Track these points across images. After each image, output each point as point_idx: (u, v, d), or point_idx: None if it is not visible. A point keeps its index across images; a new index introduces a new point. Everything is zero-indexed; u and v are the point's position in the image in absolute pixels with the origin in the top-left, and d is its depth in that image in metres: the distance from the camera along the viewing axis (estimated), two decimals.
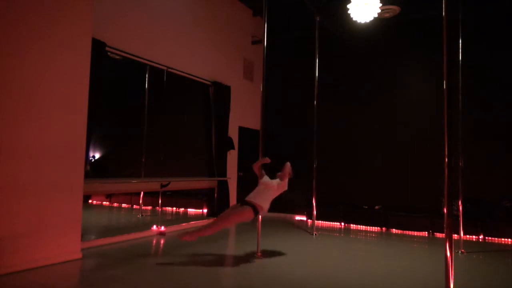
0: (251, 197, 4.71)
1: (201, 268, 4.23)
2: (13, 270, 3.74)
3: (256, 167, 5.02)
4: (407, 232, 7.17)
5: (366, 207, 7.92)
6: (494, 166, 6.97)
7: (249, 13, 8.90)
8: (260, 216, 4.94)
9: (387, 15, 7.43)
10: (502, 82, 7.06)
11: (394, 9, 7.26)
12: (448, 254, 2.80)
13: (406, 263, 4.81)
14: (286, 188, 4.95)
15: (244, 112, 8.59)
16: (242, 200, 4.75)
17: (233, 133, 8.18)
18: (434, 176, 6.97)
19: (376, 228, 7.51)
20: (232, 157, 8.11)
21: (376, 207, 7.84)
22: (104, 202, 8.13)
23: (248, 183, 7.86)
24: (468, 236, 6.59)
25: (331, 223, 7.96)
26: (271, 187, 4.81)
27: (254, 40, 8.94)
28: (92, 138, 5.12)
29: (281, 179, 4.92)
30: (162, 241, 5.66)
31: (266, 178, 4.95)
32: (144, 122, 6.44)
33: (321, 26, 7.02)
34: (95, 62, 4.76)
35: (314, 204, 6.68)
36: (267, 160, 5.00)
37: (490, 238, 6.60)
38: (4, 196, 3.72)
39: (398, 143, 7.91)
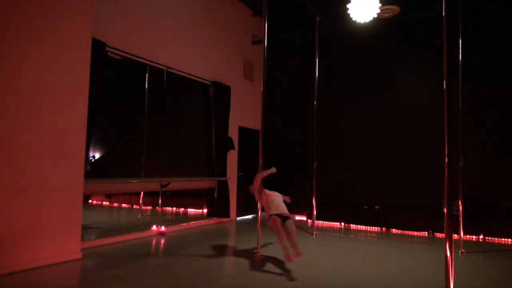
0: (282, 209, 4.73)
1: (201, 268, 4.23)
2: (13, 270, 3.74)
3: (260, 179, 4.91)
4: (407, 232, 7.18)
5: (366, 207, 7.92)
6: (494, 166, 6.97)
7: (249, 13, 8.90)
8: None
9: (387, 15, 7.43)
10: (502, 82, 7.06)
11: (394, 9, 7.26)
12: (448, 254, 2.80)
13: (406, 263, 4.81)
14: None
15: (244, 112, 8.59)
16: (279, 215, 4.66)
17: (233, 133, 8.18)
18: (434, 176, 6.97)
19: (376, 228, 7.51)
20: (232, 157, 8.11)
21: (376, 207, 7.84)
22: (104, 202, 8.12)
23: (248, 183, 7.87)
24: (468, 236, 6.59)
25: (331, 223, 7.96)
26: (283, 198, 4.94)
27: (254, 40, 8.94)
28: (92, 138, 5.11)
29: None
30: (162, 241, 5.66)
31: (269, 191, 4.97)
32: (144, 122, 6.44)
33: (321, 26, 7.02)
34: (95, 62, 4.76)
35: (314, 204, 6.68)
36: (274, 170, 5.00)
37: (490, 238, 6.60)
38: (4, 196, 3.73)
39: (398, 143, 7.91)
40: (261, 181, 4.94)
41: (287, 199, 5.06)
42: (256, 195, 4.95)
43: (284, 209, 4.71)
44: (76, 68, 4.42)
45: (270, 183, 5.30)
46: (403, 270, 4.46)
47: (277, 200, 4.81)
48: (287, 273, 4.11)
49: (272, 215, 4.64)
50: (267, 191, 4.94)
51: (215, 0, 7.79)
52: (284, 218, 4.61)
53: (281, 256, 4.93)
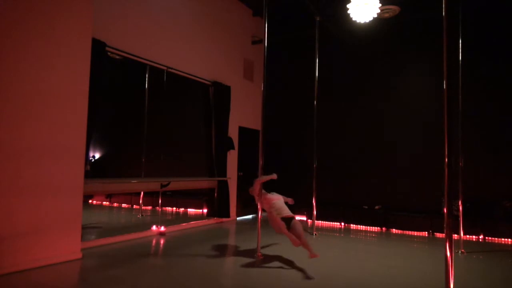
0: (285, 212, 4.78)
1: (201, 268, 4.23)
2: (13, 270, 3.74)
3: (259, 183, 4.91)
4: (407, 232, 7.17)
5: (366, 207, 7.92)
6: (494, 166, 6.97)
7: (249, 13, 8.90)
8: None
9: (387, 15, 7.44)
10: (501, 82, 7.05)
11: (394, 9, 7.27)
12: (448, 254, 2.80)
13: (406, 263, 4.81)
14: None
15: (244, 112, 8.59)
16: (284, 218, 4.74)
17: (233, 133, 8.18)
18: (434, 176, 6.97)
19: (376, 228, 7.51)
20: (232, 157, 8.11)
21: (376, 207, 7.84)
22: (104, 202, 8.12)
23: (248, 183, 7.87)
24: (468, 236, 6.59)
25: (331, 223, 7.96)
26: (284, 200, 5.01)
27: (254, 40, 8.94)
28: (92, 138, 5.11)
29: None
30: (162, 241, 5.66)
31: (270, 195, 4.99)
32: (144, 122, 6.44)
33: (321, 26, 7.02)
34: (95, 62, 4.76)
35: (314, 204, 6.68)
36: (275, 176, 4.99)
37: (490, 238, 6.60)
38: (4, 196, 3.73)
39: (398, 143, 7.90)
40: (261, 185, 4.94)
41: (290, 200, 5.08)
42: (256, 198, 4.96)
43: (286, 212, 4.75)
44: (76, 68, 4.42)
45: (271, 185, 5.30)
46: (403, 270, 4.46)
47: (279, 203, 4.83)
48: (299, 272, 4.11)
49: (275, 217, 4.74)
50: (268, 195, 4.94)
51: (215, 0, 7.79)
52: (287, 220, 4.64)
53: (280, 256, 4.93)
